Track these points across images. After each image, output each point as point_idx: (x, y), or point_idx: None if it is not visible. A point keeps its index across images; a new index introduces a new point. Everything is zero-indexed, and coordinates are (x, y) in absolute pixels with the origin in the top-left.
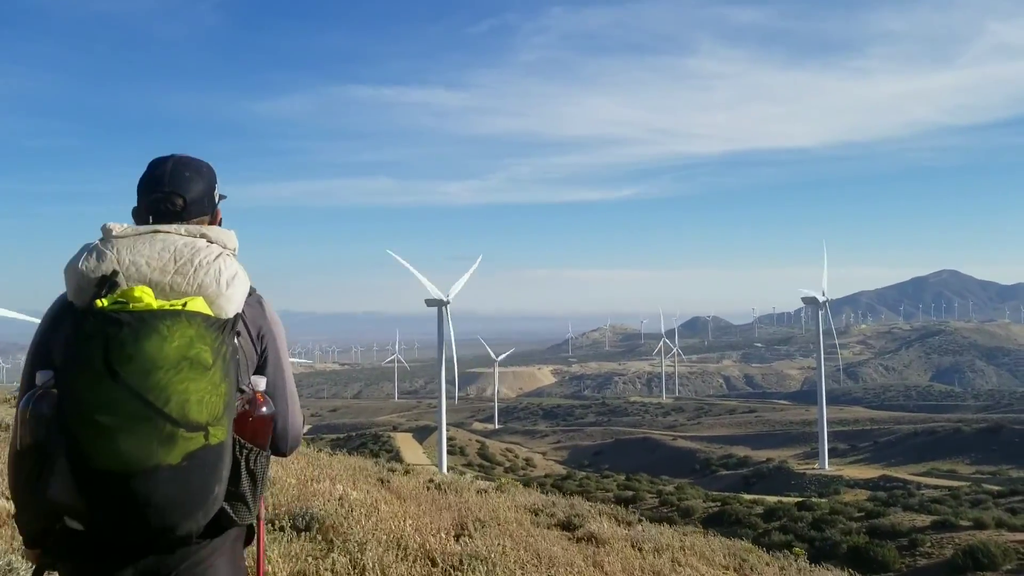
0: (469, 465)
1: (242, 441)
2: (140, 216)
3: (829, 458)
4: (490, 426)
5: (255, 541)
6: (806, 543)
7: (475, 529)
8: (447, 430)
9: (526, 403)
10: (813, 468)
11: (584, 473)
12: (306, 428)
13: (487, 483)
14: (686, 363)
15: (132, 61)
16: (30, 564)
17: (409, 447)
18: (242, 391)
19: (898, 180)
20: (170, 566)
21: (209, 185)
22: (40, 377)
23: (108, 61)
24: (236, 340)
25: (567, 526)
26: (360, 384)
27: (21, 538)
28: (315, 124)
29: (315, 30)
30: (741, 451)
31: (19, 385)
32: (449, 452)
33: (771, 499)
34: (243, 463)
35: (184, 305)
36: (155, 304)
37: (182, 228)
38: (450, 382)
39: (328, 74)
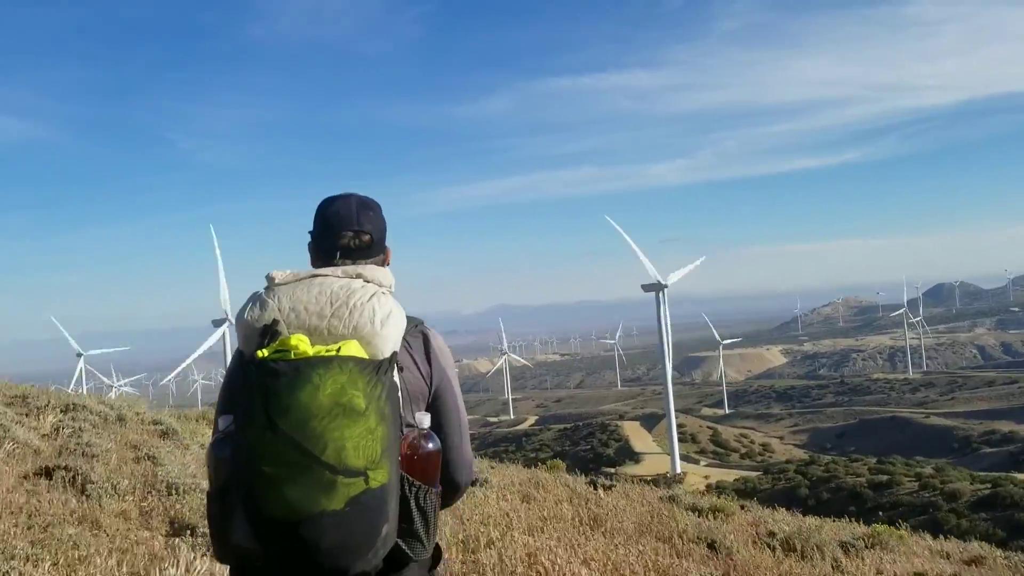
0: (702, 452)
1: (410, 479)
2: (326, 252)
3: None
4: (720, 411)
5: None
6: None
7: None
8: (676, 417)
9: (756, 385)
10: None
11: (829, 457)
12: (533, 419)
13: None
14: (932, 334)
15: (345, 80)
16: None
17: (638, 436)
18: (408, 427)
19: None
20: None
21: (384, 224)
22: (223, 422)
23: (323, 82)
24: (397, 376)
25: None
26: (582, 373)
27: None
28: (515, 121)
29: (509, 27)
30: (1005, 426)
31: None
32: (680, 440)
33: None
34: (412, 501)
35: (338, 350)
36: (311, 351)
37: (339, 270)
38: (674, 367)
39: (525, 70)
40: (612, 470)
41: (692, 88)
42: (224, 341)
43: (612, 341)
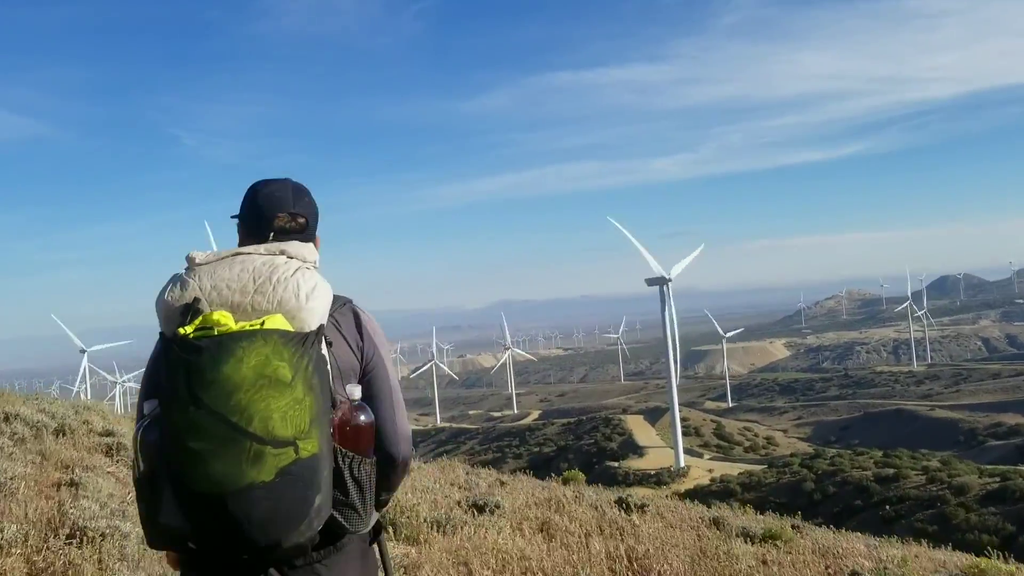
0: (705, 446)
1: (343, 450)
2: (258, 232)
3: None
4: (723, 404)
5: (379, 555)
6: None
7: None
8: (679, 410)
9: (760, 379)
10: None
11: (834, 450)
12: (536, 413)
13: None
14: (936, 326)
15: (347, 77)
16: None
17: (641, 429)
18: (337, 398)
19: None
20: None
21: (317, 211)
22: (147, 407)
23: (324, 80)
24: (327, 351)
25: None
26: (585, 368)
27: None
28: (518, 116)
29: (510, 23)
30: (1011, 418)
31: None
32: (684, 433)
33: None
34: (347, 472)
35: (262, 324)
36: (235, 327)
37: (261, 248)
38: (676, 361)
39: (527, 66)
40: (616, 464)
41: (695, 82)
42: None
43: (615, 335)
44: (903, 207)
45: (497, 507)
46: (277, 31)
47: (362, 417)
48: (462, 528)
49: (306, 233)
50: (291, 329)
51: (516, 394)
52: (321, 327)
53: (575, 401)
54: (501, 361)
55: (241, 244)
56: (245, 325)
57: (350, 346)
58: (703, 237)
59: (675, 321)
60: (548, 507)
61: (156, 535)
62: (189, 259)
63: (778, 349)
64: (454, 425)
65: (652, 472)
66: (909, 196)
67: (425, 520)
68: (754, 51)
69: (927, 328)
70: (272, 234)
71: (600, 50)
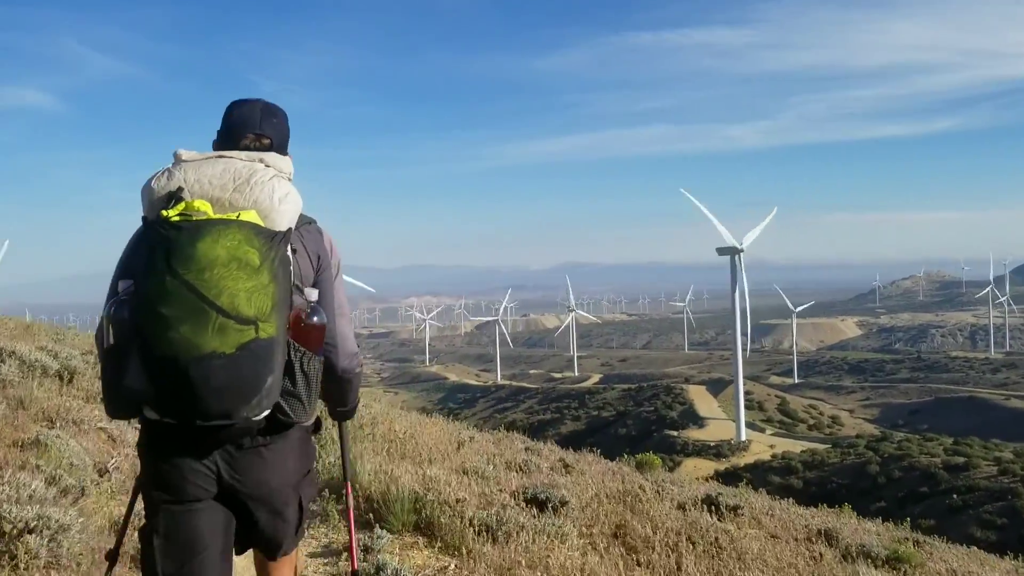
0: (768, 421)
1: (296, 344)
2: (228, 147)
3: None
4: (789, 380)
5: (340, 438)
6: None
7: None
8: (743, 383)
9: (828, 356)
10: None
11: (902, 434)
12: (597, 377)
13: None
14: (1018, 313)
15: (422, 30)
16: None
17: (703, 400)
18: (295, 298)
19: None
20: (246, 466)
21: (287, 131)
22: (122, 286)
23: (400, 32)
24: (291, 254)
25: None
26: (649, 335)
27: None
28: (593, 75)
29: None
30: None
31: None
32: (746, 407)
33: None
34: (297, 364)
35: (238, 216)
36: (213, 215)
37: (243, 154)
38: (744, 333)
39: (607, 23)
40: (675, 433)
41: (778, 47)
42: None
43: (681, 304)
44: (990, 188)
45: (562, 504)
46: None
47: (315, 318)
48: (518, 534)
49: (272, 151)
50: (263, 225)
51: (577, 357)
52: (289, 230)
53: (637, 367)
54: (565, 323)
55: None
56: (222, 215)
57: (309, 257)
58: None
59: (746, 292)
60: (622, 502)
61: (118, 400)
62: (176, 155)
63: (849, 327)
64: (514, 383)
65: (712, 444)
66: (998, 177)
67: (471, 523)
68: (842, 17)
69: (1008, 315)
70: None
71: (682, 10)
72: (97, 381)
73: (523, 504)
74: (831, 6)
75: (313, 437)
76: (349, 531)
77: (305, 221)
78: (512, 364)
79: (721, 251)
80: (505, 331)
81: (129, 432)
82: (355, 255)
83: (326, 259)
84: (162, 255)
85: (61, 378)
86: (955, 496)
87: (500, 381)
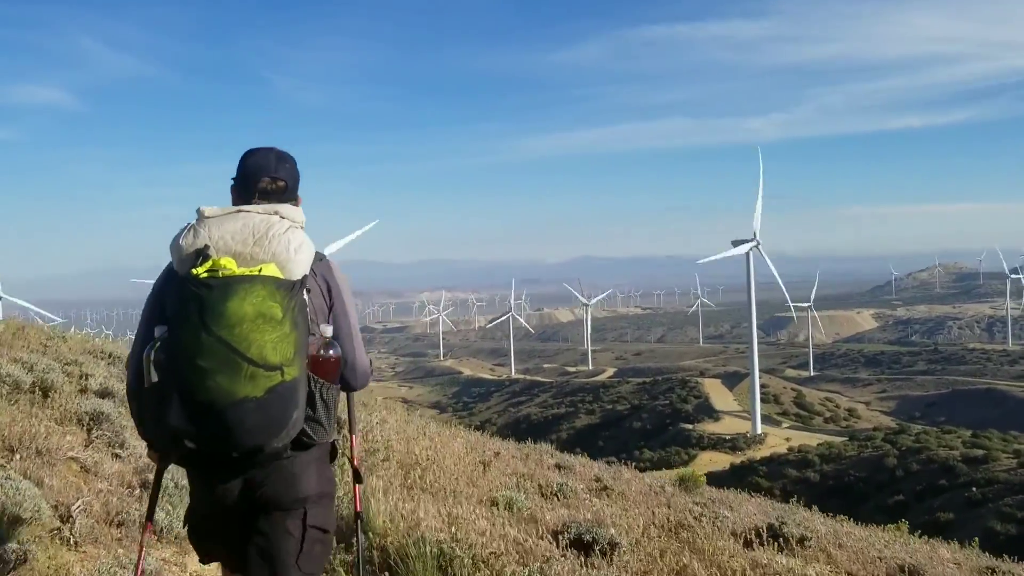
0: (784, 414)
1: (315, 377)
2: (246, 194)
3: None
4: (804, 373)
5: (351, 482)
6: None
7: None
8: (759, 376)
9: (844, 349)
10: None
11: (919, 427)
12: (611, 371)
13: None
14: None
15: (435, 25)
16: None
17: (718, 394)
18: (313, 335)
19: None
20: (268, 474)
21: (298, 175)
22: (158, 331)
23: (413, 28)
24: (306, 296)
25: None
26: (663, 328)
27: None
28: (608, 69)
29: None
30: None
31: (135, 334)
32: (762, 400)
33: None
34: (317, 394)
35: (259, 271)
36: (237, 271)
37: (259, 207)
38: (758, 326)
39: (621, 16)
40: (691, 427)
41: (795, 40)
42: None
43: (696, 297)
44: (1008, 179)
45: (612, 546)
46: None
47: (331, 352)
48: None
49: (286, 194)
50: (282, 277)
51: (592, 350)
52: (305, 277)
53: (651, 361)
54: (578, 316)
55: (234, 203)
56: (245, 271)
57: (322, 293)
58: (795, 200)
59: (778, 280)
60: (676, 536)
61: (162, 436)
62: (199, 212)
63: (865, 319)
64: (528, 377)
65: (727, 437)
66: (1015, 167)
67: None
68: (860, 9)
69: None
70: (257, 194)
71: (698, 3)
72: (77, 396)
73: (566, 549)
74: None
75: (332, 465)
76: (352, 469)
77: (316, 258)
78: (526, 358)
79: (736, 243)
80: (520, 325)
81: (106, 461)
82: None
83: (336, 289)
84: (196, 311)
85: (34, 395)
86: (974, 489)
87: (514, 375)
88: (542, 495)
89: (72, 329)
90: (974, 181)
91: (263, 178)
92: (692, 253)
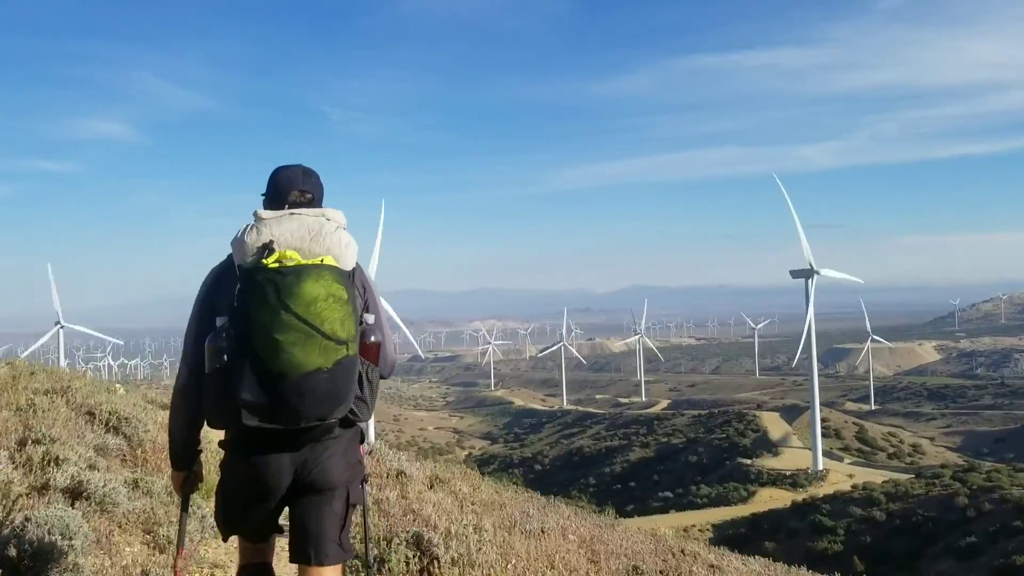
0: (846, 450)
1: (362, 359)
2: (277, 204)
3: None
4: (865, 406)
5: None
6: None
7: None
8: (819, 410)
9: (906, 382)
10: None
11: (989, 464)
12: (665, 402)
13: None
14: None
15: (484, 57)
16: (178, 499)
17: (777, 427)
18: (362, 322)
19: None
20: (318, 454)
21: (323, 188)
22: (219, 321)
23: (462, 59)
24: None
25: None
26: (718, 359)
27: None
28: (657, 99)
29: (656, 4)
30: None
31: (187, 331)
32: (823, 435)
33: None
34: (364, 375)
35: (322, 261)
36: (303, 261)
37: (309, 211)
38: (817, 358)
39: (670, 47)
40: (748, 461)
41: (846, 68)
42: None
43: (752, 327)
44: None
45: None
46: (423, 10)
47: (373, 337)
48: None
49: (313, 204)
50: (339, 267)
51: (645, 381)
52: (355, 268)
53: (706, 392)
54: (631, 347)
55: None
56: (310, 261)
57: (359, 291)
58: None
59: (812, 317)
60: None
61: (226, 412)
62: (256, 215)
63: (927, 352)
64: (580, 408)
65: (787, 473)
66: None
67: None
68: (914, 36)
69: None
70: (287, 206)
71: (747, 32)
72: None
73: None
74: (901, 25)
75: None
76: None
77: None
78: (578, 388)
79: (795, 274)
80: (575, 353)
81: None
82: (420, 279)
83: (370, 291)
84: (274, 293)
85: None
86: None
87: (566, 406)
88: None
89: (121, 359)
90: None
91: (293, 191)
92: (744, 283)
